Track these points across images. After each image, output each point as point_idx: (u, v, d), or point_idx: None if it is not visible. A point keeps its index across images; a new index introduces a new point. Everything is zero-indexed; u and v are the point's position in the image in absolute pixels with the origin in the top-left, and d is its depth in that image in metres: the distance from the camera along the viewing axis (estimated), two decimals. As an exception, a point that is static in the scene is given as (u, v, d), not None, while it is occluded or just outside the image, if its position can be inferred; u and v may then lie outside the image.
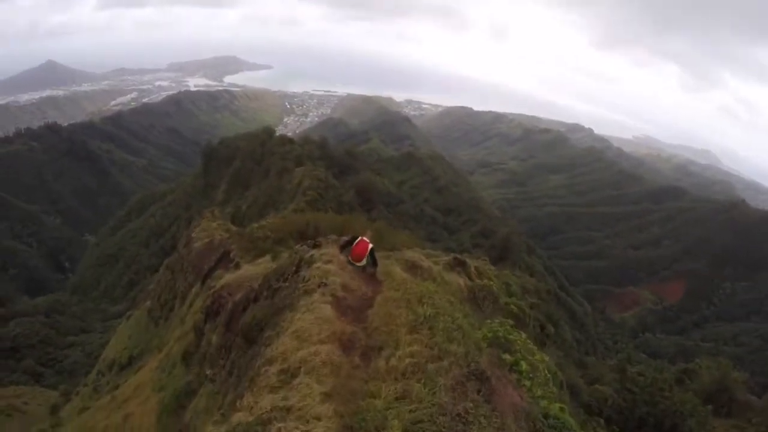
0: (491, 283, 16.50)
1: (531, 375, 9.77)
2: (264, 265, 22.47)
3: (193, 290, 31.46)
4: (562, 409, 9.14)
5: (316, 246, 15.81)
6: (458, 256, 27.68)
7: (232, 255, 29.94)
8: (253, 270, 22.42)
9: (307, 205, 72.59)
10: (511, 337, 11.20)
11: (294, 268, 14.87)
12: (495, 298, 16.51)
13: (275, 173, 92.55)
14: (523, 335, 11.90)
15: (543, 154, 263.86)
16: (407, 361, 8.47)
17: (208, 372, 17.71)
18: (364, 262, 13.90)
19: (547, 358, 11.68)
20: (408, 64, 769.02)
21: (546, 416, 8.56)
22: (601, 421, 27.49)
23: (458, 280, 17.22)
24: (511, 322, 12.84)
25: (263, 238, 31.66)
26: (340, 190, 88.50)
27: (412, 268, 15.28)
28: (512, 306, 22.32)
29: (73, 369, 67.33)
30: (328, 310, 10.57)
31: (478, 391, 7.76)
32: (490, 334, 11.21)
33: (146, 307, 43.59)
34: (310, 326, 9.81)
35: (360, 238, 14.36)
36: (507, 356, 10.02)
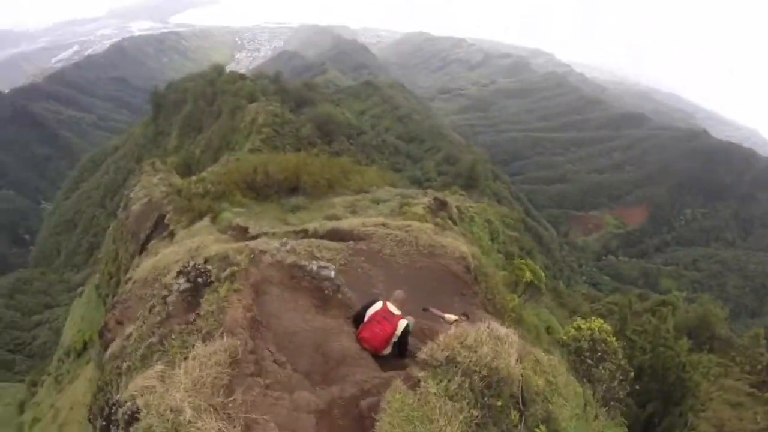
0: (609, 335, 9.87)
1: None
2: (190, 241, 17.51)
3: (134, 263, 27.46)
4: None
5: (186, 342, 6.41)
6: (438, 196, 25.10)
7: (166, 219, 25.39)
8: (172, 254, 16.37)
9: (263, 143, 69.17)
10: None
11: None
12: (614, 353, 9.53)
13: (227, 112, 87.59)
14: None
15: (504, 79, 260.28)
16: None
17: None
18: (388, 350, 7.95)
19: None
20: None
21: None
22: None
23: (460, 247, 13.24)
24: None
25: (201, 194, 27.33)
26: (298, 124, 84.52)
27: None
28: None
29: (43, 350, 64.66)
30: None
31: None
32: None
33: (94, 282, 39.86)
34: None
35: (381, 302, 8.09)
36: None
